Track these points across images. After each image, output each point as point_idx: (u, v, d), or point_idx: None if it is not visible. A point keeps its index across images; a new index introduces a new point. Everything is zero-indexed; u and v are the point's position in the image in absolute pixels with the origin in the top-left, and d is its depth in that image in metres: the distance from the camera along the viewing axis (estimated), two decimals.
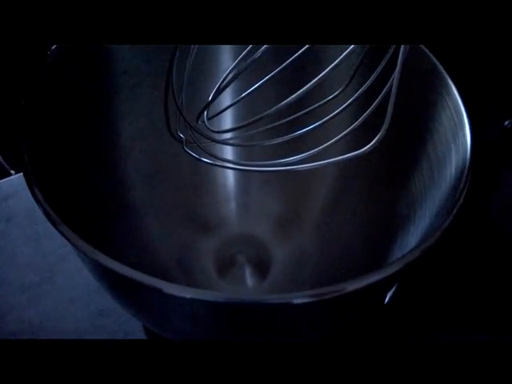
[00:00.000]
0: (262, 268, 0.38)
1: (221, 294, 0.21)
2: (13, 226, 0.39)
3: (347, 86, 0.31)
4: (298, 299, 0.21)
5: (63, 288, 0.37)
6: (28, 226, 0.39)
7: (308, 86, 0.23)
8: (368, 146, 0.23)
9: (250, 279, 0.39)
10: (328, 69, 0.23)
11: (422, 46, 0.29)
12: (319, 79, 0.23)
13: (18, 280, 0.37)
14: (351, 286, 0.21)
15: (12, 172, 0.42)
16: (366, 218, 0.34)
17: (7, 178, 0.41)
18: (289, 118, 0.30)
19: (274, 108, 0.23)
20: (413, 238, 0.30)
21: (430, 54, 0.30)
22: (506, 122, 0.32)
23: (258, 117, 0.23)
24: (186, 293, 0.21)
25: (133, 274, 0.21)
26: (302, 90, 0.23)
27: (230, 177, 0.40)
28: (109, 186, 0.34)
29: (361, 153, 0.23)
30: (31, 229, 0.39)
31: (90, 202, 0.31)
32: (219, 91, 0.24)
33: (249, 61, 0.23)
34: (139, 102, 0.34)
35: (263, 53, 0.24)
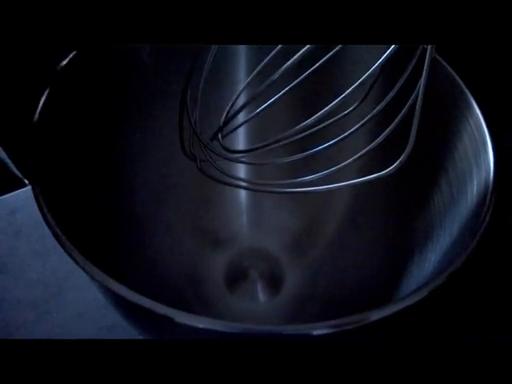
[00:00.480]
0: (273, 283, 0.38)
1: (234, 324, 0.20)
2: (21, 240, 0.39)
3: (363, 100, 0.30)
4: (318, 330, 0.20)
5: (72, 304, 0.36)
6: (36, 240, 0.38)
7: (328, 108, 0.22)
8: (390, 169, 0.22)
9: (261, 295, 0.38)
10: (348, 91, 0.22)
11: (442, 60, 0.28)
12: (338, 102, 0.22)
13: (26, 296, 0.36)
14: (374, 315, 0.20)
15: (26, 182, 0.42)
16: (382, 234, 0.33)
17: (15, 192, 0.40)
18: (304, 134, 0.29)
19: (292, 130, 0.22)
20: (432, 255, 0.29)
21: (449, 68, 0.29)
22: None
23: (274, 139, 0.23)
24: (199, 322, 0.21)
25: (144, 302, 0.21)
26: (320, 113, 0.22)
27: (242, 190, 0.40)
28: (118, 201, 0.34)
29: (382, 175, 0.23)
30: (39, 243, 0.38)
31: (99, 218, 0.30)
32: (233, 115, 0.23)
33: (263, 85, 0.22)
34: (150, 115, 0.34)
35: (279, 72, 0.23)
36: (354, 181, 0.23)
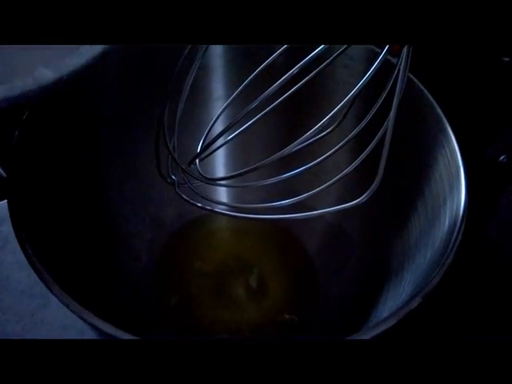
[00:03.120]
0: (258, 296, 0.38)
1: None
2: (7, 252, 0.39)
3: (341, 121, 0.30)
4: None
5: (58, 316, 0.37)
6: (22, 252, 0.39)
7: (308, 134, 0.22)
8: (361, 198, 0.23)
9: (246, 306, 0.38)
10: (329, 115, 0.22)
11: (418, 82, 0.29)
12: (318, 127, 0.22)
13: (12, 308, 0.36)
14: (361, 336, 0.21)
15: None
16: (359, 253, 0.34)
17: (0, 202, 0.40)
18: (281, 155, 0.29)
19: (271, 157, 0.23)
20: (408, 274, 0.30)
21: (425, 90, 0.29)
22: (502, 157, 0.32)
23: (254, 166, 0.23)
24: None
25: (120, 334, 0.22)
26: (300, 139, 0.23)
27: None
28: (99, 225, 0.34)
29: (354, 204, 0.23)
30: None
31: (80, 247, 0.31)
32: (209, 142, 0.24)
33: (240, 114, 0.22)
34: (129, 140, 0.34)
35: (257, 100, 0.23)
36: (329, 209, 0.24)
